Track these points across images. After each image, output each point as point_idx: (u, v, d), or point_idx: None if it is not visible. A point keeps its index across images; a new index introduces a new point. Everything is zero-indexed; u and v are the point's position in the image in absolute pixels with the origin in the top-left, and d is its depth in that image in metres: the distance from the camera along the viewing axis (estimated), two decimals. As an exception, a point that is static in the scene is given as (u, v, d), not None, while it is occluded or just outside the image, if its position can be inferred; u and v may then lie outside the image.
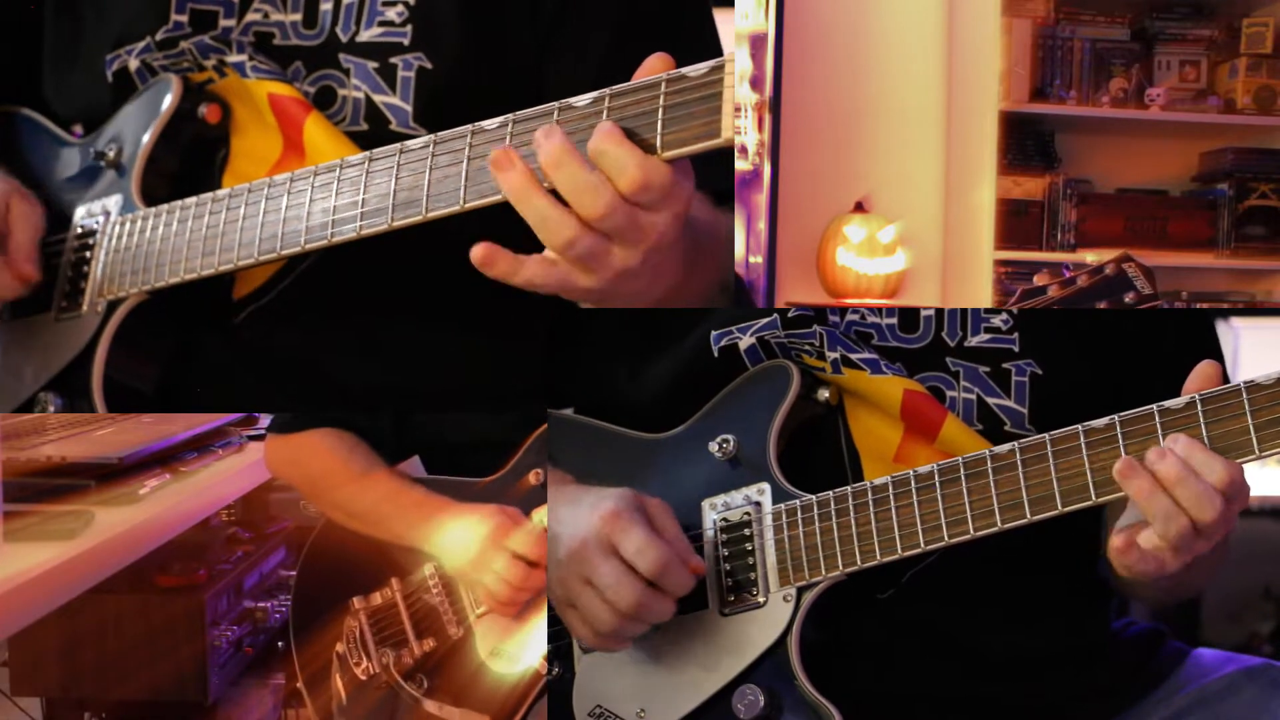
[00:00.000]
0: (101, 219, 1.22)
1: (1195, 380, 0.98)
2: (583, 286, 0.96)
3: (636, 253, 0.94)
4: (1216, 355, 1.18)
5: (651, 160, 0.93)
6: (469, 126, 1.01)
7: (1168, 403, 0.97)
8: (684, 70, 0.93)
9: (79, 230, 1.23)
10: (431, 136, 1.03)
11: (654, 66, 0.95)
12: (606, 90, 0.95)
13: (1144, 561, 0.96)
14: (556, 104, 0.97)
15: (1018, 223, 3.63)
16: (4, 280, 1.20)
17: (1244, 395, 0.94)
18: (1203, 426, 0.95)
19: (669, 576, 1.03)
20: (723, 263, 1.19)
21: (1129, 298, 1.43)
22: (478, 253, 0.95)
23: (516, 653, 1.49)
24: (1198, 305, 3.62)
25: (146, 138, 1.21)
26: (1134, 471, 0.95)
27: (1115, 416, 0.98)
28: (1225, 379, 0.98)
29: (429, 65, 1.18)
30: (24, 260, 1.20)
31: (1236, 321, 2.99)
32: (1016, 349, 1.13)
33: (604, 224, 0.93)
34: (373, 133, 1.18)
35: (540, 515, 1.49)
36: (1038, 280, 1.47)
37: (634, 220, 0.93)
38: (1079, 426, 0.99)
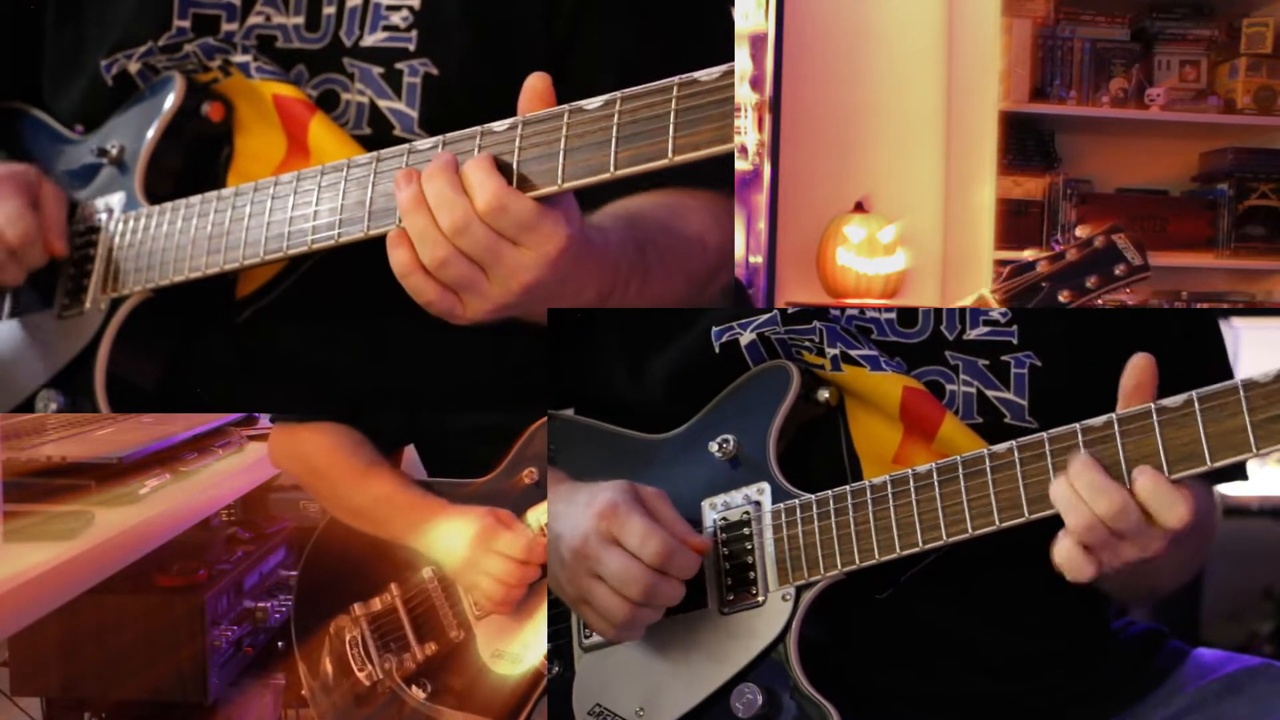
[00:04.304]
0: (104, 216, 1.22)
1: (1127, 371, 0.98)
2: (465, 315, 1.02)
3: (509, 291, 0.99)
4: (1218, 349, 1.18)
5: (513, 191, 0.97)
6: (478, 128, 1.01)
7: (1165, 401, 0.97)
8: (696, 75, 0.93)
9: (81, 228, 1.24)
10: (440, 138, 1.03)
11: (535, 86, 0.99)
12: (617, 94, 0.96)
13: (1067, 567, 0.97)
14: (567, 107, 0.97)
15: (1018, 223, 3.63)
16: (35, 249, 1.19)
17: (1241, 393, 0.94)
18: (1200, 425, 0.95)
19: (674, 561, 1.03)
20: (692, 273, 1.20)
21: (1119, 270, 1.42)
22: (391, 236, 1.01)
23: (519, 654, 1.49)
24: (1198, 305, 3.62)
25: (150, 134, 1.21)
26: (1064, 488, 0.97)
27: (1113, 415, 0.98)
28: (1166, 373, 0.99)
29: (435, 71, 1.18)
30: (56, 235, 1.20)
31: (1236, 321, 2.98)
32: (1015, 341, 1.13)
33: (464, 242, 0.97)
34: (376, 137, 1.18)
35: (534, 515, 1.49)
36: (1027, 256, 1.46)
37: (497, 251, 0.98)
38: (1077, 425, 0.99)
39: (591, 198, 1.08)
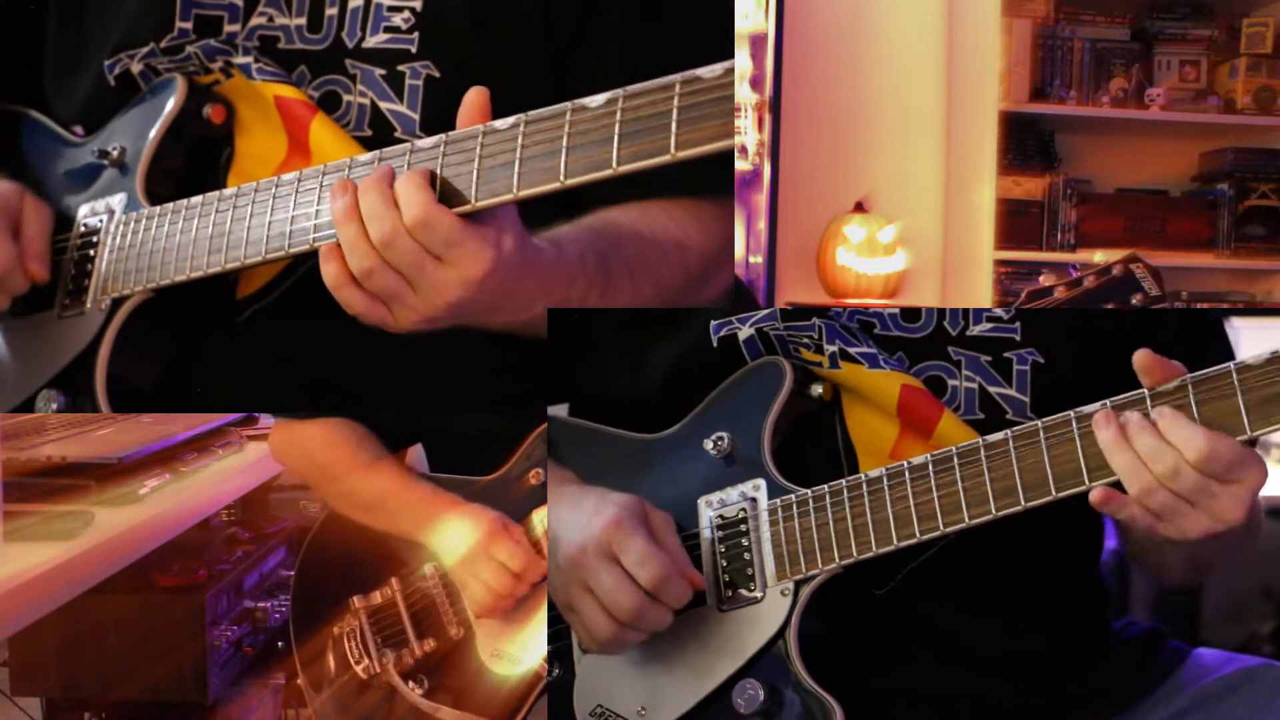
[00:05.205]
0: (105, 217, 1.22)
1: (1140, 374, 0.98)
2: (396, 325, 1.05)
3: (433, 306, 1.02)
4: (1225, 351, 1.18)
5: (441, 208, 0.99)
6: (480, 126, 1.01)
7: (1160, 386, 0.97)
8: (698, 72, 0.93)
9: (82, 229, 1.24)
10: (443, 136, 1.03)
11: (473, 100, 1.02)
12: (620, 91, 0.96)
13: (1137, 519, 0.97)
14: (570, 104, 0.97)
15: (1018, 223, 3.63)
16: (15, 277, 1.20)
17: (1234, 376, 0.95)
18: (1194, 407, 0.96)
19: (668, 588, 1.03)
20: (664, 281, 1.20)
21: (1136, 299, 1.43)
22: (323, 250, 1.05)
23: (518, 655, 1.49)
24: (1198, 305, 3.62)
25: (152, 135, 1.21)
26: (1108, 421, 0.96)
27: (1107, 401, 0.98)
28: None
29: (437, 74, 1.19)
30: (35, 259, 1.21)
31: (1236, 321, 2.98)
32: (1018, 338, 1.13)
33: (391, 254, 1.00)
34: (377, 139, 1.18)
35: (539, 516, 1.49)
36: (1044, 281, 1.46)
37: (421, 265, 1.00)
38: (1071, 412, 0.99)
39: (568, 206, 1.10)
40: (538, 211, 1.06)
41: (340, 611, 1.61)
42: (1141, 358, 0.98)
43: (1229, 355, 1.18)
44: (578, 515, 1.07)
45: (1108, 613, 1.21)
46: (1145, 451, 0.95)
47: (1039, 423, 1.00)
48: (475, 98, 1.02)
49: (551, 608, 1.17)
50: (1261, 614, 2.70)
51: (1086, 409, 0.99)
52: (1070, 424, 0.99)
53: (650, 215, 1.19)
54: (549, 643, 1.17)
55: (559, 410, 1.26)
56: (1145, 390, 0.97)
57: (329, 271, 1.04)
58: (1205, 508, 0.95)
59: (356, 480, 1.60)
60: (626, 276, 1.15)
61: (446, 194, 1.01)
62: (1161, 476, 0.94)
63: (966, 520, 1.01)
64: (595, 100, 0.96)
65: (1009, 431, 1.01)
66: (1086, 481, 0.98)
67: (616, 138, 0.95)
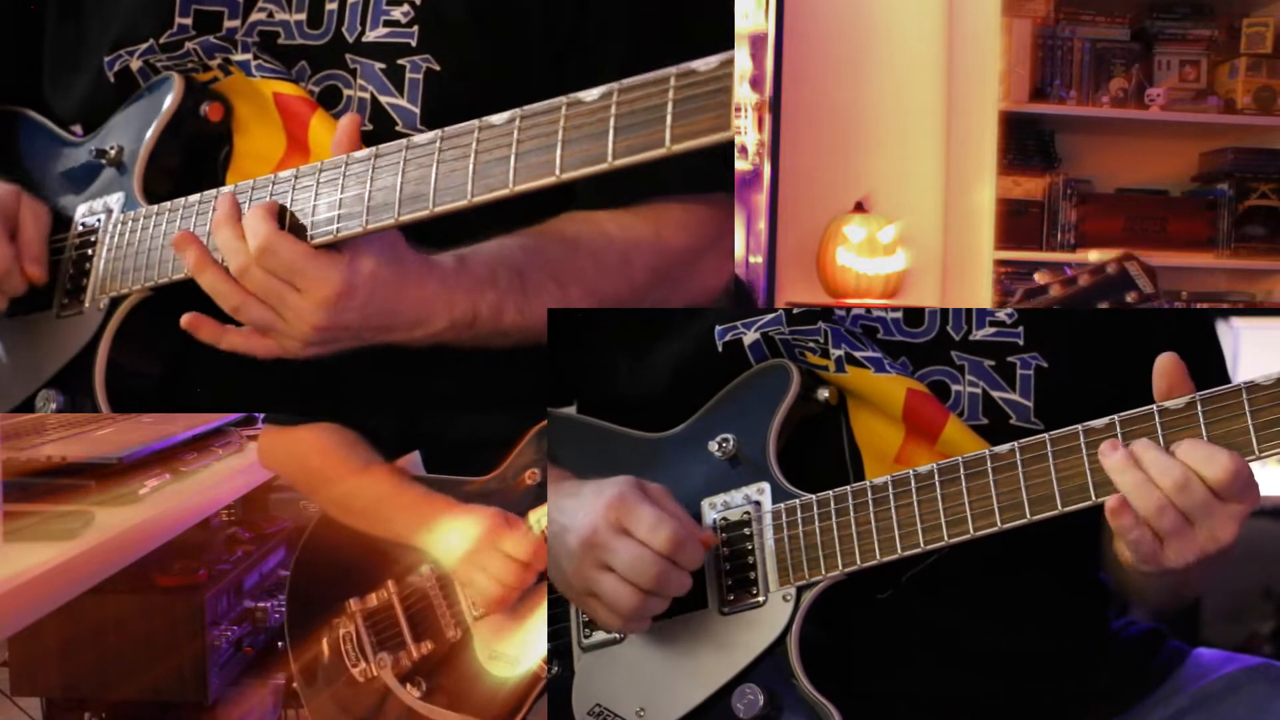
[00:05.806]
0: (103, 216, 1.22)
1: (1158, 375, 0.97)
2: (290, 353, 1.10)
3: (303, 332, 1.07)
4: (1215, 353, 1.18)
5: (284, 235, 1.05)
6: (476, 122, 1.01)
7: (1168, 403, 0.97)
8: (693, 64, 0.93)
9: (80, 228, 1.24)
10: (439, 132, 1.03)
11: (346, 127, 1.07)
12: (615, 84, 0.96)
13: (1142, 542, 0.96)
14: (565, 98, 0.97)
15: (1018, 223, 3.62)
16: (12, 279, 1.21)
17: (1244, 396, 0.94)
18: (1202, 427, 0.95)
19: (683, 550, 1.04)
20: (602, 288, 1.21)
21: (1131, 297, 1.43)
22: (184, 320, 1.12)
23: (516, 656, 1.49)
24: (1198, 305, 3.62)
25: (149, 135, 1.21)
26: (1113, 446, 0.96)
27: (1115, 416, 0.98)
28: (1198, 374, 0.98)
29: (437, 68, 1.18)
30: (33, 261, 1.22)
31: (1236, 321, 2.98)
32: (1021, 343, 1.13)
33: (248, 284, 1.07)
34: (377, 133, 1.18)
35: (536, 516, 1.49)
36: (1039, 279, 1.46)
37: (279, 293, 1.06)
38: (1079, 426, 0.99)
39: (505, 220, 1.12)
40: (465, 228, 1.08)
41: (336, 613, 1.61)
42: (1165, 360, 0.97)
43: (1220, 357, 1.18)
44: (578, 502, 1.07)
45: (1107, 613, 1.21)
46: (1154, 468, 0.94)
47: (1046, 436, 1.00)
48: (347, 124, 1.07)
49: (551, 605, 1.17)
50: (1261, 614, 2.69)
51: (1094, 423, 0.98)
52: (1078, 437, 0.98)
53: (595, 224, 1.20)
54: (549, 640, 1.17)
55: (564, 411, 1.26)
56: (1153, 406, 0.97)
57: (203, 336, 1.11)
58: (1204, 526, 0.94)
59: (349, 486, 1.59)
60: (553, 286, 1.16)
61: (295, 226, 1.07)
62: (1169, 491, 0.93)
63: (971, 532, 1.01)
64: (591, 94, 0.96)
65: (1016, 444, 1.00)
66: (1093, 497, 0.97)
67: (612, 131, 0.95)
